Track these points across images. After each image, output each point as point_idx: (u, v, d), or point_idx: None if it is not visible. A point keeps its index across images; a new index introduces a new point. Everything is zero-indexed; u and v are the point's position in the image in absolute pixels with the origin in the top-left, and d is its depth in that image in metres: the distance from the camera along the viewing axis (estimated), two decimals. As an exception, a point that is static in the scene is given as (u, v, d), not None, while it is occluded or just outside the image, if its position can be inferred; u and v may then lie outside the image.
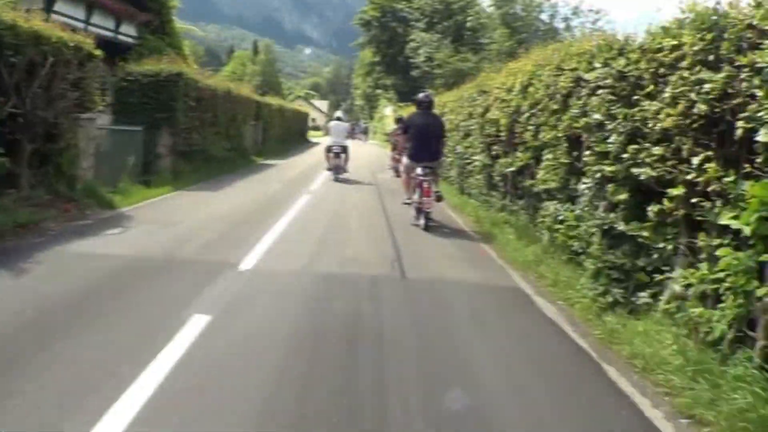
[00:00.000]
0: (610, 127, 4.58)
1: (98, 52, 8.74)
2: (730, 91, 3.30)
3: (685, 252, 3.76)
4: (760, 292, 2.92)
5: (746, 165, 3.19)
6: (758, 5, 3.20)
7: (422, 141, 8.34)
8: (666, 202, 3.80)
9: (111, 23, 15.46)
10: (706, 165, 3.46)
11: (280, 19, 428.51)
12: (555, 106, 5.94)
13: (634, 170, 4.17)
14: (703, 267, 3.43)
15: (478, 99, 9.66)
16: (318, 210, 9.59)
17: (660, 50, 4.00)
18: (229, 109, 16.17)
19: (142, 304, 4.37)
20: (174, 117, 12.11)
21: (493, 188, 8.90)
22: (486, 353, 3.84)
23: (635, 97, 4.28)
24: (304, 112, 41.58)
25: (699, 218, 3.54)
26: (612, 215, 4.59)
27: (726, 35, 3.41)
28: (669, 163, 3.83)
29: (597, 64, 4.92)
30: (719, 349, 3.20)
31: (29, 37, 7.04)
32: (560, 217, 5.62)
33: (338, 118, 16.29)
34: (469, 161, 10.28)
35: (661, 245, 3.95)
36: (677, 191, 3.69)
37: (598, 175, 4.74)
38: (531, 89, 6.81)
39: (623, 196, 4.38)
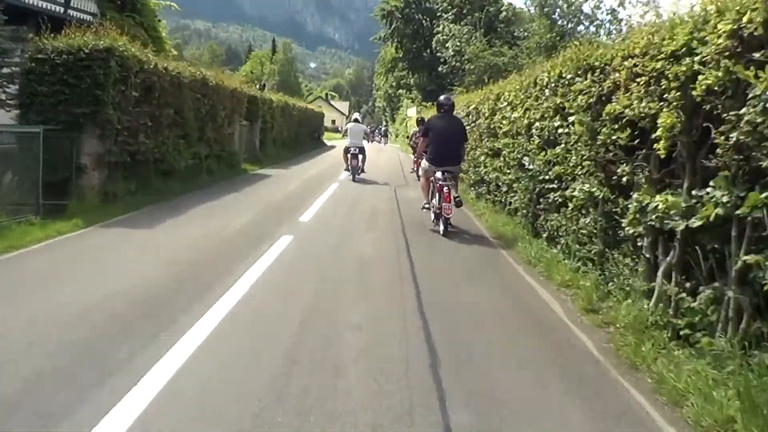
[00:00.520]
0: None
1: None
2: None
3: None
4: None
5: None
6: None
7: (443, 145, 7.95)
8: None
9: (57, -7, 11.75)
10: None
11: (303, 21, 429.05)
12: None
13: None
14: None
15: (577, 82, 5.53)
16: (295, 276, 5.59)
17: None
18: (206, 104, 12.28)
19: None
20: (102, 113, 8.23)
21: (616, 246, 4.76)
22: None
23: None
24: (318, 112, 37.50)
25: None
26: None
27: None
28: None
29: None
30: None
31: None
32: None
33: (355, 120, 16.34)
34: (553, 187, 6.16)
35: None
36: None
37: None
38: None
39: None
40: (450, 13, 36.47)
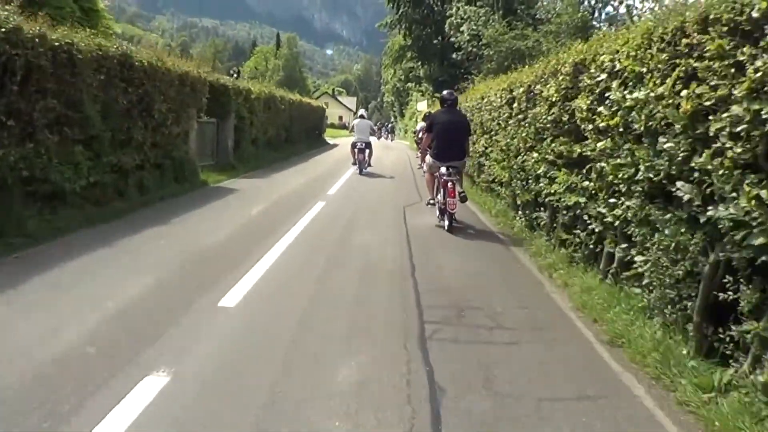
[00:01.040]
0: None
1: None
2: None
3: None
4: None
5: None
6: None
7: (447, 140, 7.82)
8: None
9: None
10: None
11: (311, 18, 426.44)
12: None
13: None
14: None
15: None
16: None
17: None
18: (132, 94, 8.55)
19: None
20: None
21: None
22: None
23: None
24: (317, 106, 33.27)
25: None
26: None
27: None
28: None
29: None
30: None
31: None
32: None
33: (361, 116, 16.76)
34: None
35: None
36: None
37: None
38: None
39: None
40: (464, -6, 32.44)
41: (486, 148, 9.99)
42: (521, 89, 7.39)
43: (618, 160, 4.21)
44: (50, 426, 2.56)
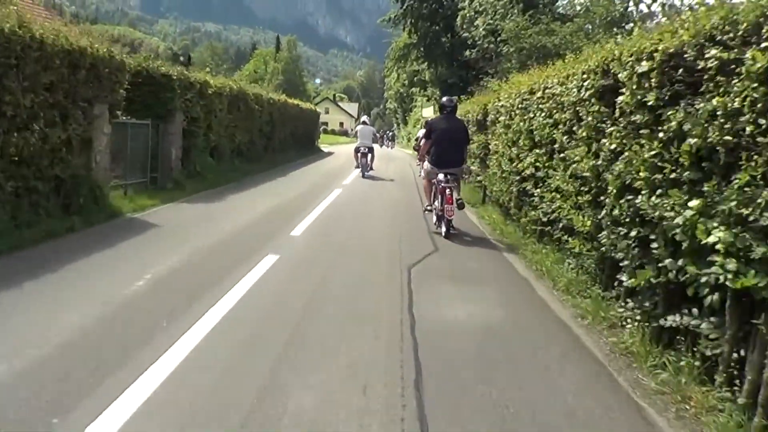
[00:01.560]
0: None
1: None
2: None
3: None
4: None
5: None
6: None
7: (445, 146, 7.81)
8: None
9: None
10: None
11: (314, 24, 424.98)
12: None
13: None
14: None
15: None
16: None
17: None
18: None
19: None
20: None
21: None
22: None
23: None
24: (309, 109, 29.18)
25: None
26: None
27: None
28: None
29: None
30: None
31: None
32: None
33: (364, 122, 17.87)
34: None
35: None
36: None
37: None
38: None
39: None
40: (477, -14, 28.85)
41: (537, 169, 6.36)
42: (645, 63, 3.69)
43: None
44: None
